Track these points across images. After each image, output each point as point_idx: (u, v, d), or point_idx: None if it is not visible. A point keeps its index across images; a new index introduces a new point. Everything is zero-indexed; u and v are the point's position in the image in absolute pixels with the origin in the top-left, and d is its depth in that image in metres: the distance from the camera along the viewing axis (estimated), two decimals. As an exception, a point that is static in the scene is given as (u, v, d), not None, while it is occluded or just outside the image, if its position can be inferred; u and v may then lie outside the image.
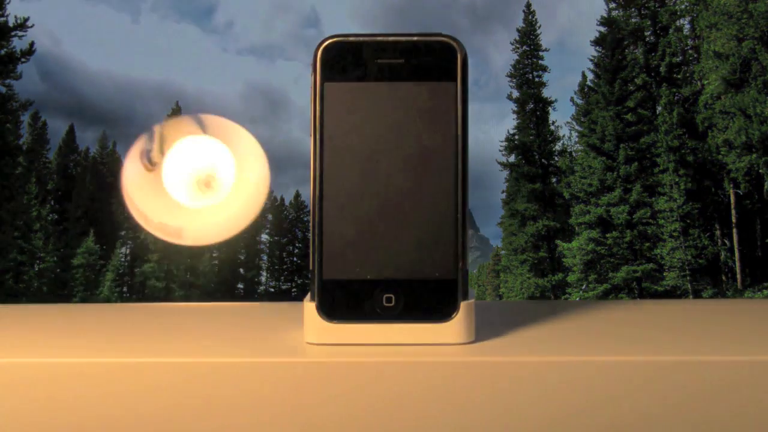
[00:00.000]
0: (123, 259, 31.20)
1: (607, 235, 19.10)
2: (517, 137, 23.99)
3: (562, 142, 23.98)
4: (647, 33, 21.47)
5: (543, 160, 23.56)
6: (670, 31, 20.88)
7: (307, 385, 0.34)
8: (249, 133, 0.54)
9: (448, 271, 0.37)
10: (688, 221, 18.25)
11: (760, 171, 16.64)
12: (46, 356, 0.35)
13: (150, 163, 0.53)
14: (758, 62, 16.27)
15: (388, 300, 0.37)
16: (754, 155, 16.38)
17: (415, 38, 0.38)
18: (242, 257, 32.58)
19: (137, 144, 0.53)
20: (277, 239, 34.21)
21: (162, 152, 0.53)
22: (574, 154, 22.24)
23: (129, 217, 0.55)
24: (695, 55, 20.44)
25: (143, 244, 29.39)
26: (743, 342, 0.39)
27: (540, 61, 24.58)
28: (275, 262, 34.29)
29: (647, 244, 18.83)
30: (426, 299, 0.37)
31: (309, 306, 0.38)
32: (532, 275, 22.27)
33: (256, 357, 0.35)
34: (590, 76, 21.45)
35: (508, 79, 24.88)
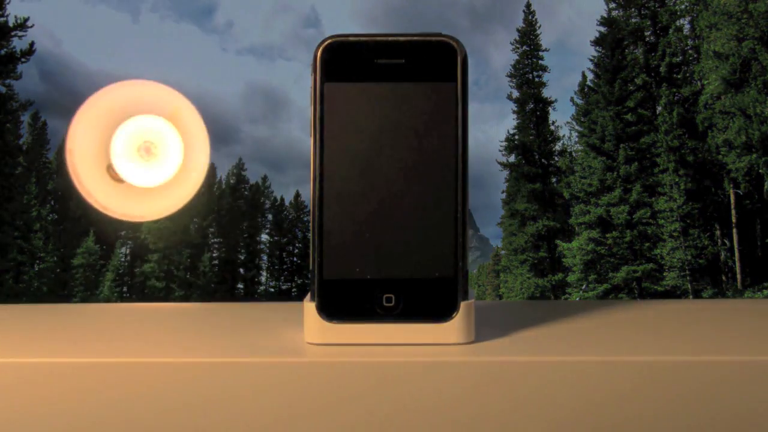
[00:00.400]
0: (123, 259, 31.21)
1: (607, 235, 19.10)
2: (517, 137, 23.99)
3: (562, 142, 23.99)
4: (647, 33, 21.47)
5: (543, 160, 23.56)
6: (670, 31, 20.88)
7: (307, 385, 0.34)
8: (188, 102, 0.55)
9: (448, 271, 0.37)
10: (688, 221, 18.25)
11: (760, 171, 16.64)
12: (46, 356, 0.35)
13: (115, 174, 0.54)
14: (758, 62, 16.27)
15: (388, 300, 0.37)
16: (754, 155, 16.38)
17: (415, 38, 0.38)
18: (242, 257, 32.58)
19: (74, 131, 0.53)
20: (277, 239, 34.20)
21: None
22: (574, 154, 22.24)
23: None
24: (695, 55, 20.44)
25: (143, 244, 29.40)
26: (743, 342, 0.39)
27: (540, 61, 24.57)
28: (275, 262, 34.28)
29: (647, 244, 18.83)
30: (426, 299, 0.37)
31: (309, 306, 0.38)
32: (532, 275, 22.26)
33: (256, 357, 0.35)
34: (590, 76, 21.47)
35: (508, 79, 24.90)
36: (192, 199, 0.56)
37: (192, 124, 0.55)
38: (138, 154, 0.54)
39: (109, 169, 0.54)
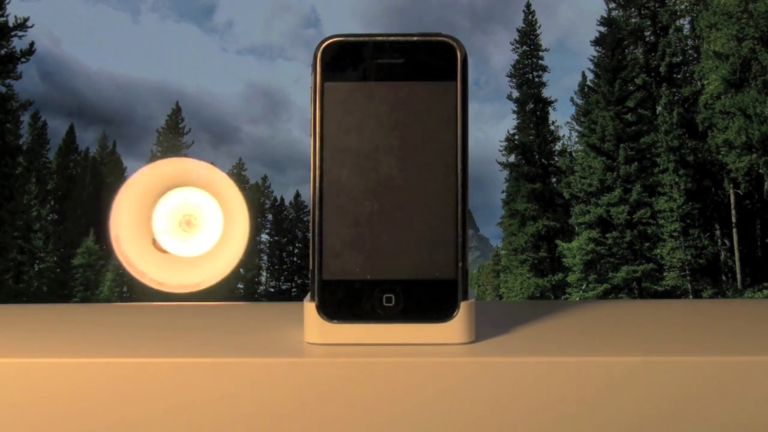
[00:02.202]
0: (123, 259, 31.13)
1: (607, 235, 19.09)
2: (517, 137, 23.97)
3: (562, 142, 23.97)
4: (647, 33, 21.46)
5: (543, 160, 23.55)
6: (670, 31, 20.87)
7: (307, 385, 0.34)
8: (227, 177, 0.57)
9: (448, 271, 0.37)
10: (688, 221, 18.24)
11: (760, 171, 16.64)
12: (46, 356, 0.35)
13: (159, 246, 0.56)
14: (758, 62, 16.27)
15: (388, 300, 0.37)
16: (754, 155, 16.38)
17: (415, 38, 0.38)
18: (242, 257, 32.51)
19: (116, 216, 0.56)
20: (277, 239, 34.18)
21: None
22: (574, 154, 22.23)
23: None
24: (695, 55, 20.44)
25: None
26: (743, 342, 0.39)
27: (540, 61, 24.57)
28: (275, 262, 34.27)
29: (647, 244, 18.82)
30: (426, 299, 0.37)
31: (309, 306, 0.38)
32: (532, 275, 22.25)
33: (256, 357, 0.35)
34: (590, 76, 21.46)
35: (508, 79, 24.88)
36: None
37: (230, 195, 0.58)
38: (180, 228, 0.56)
39: (154, 243, 0.56)
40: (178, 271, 0.57)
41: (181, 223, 0.56)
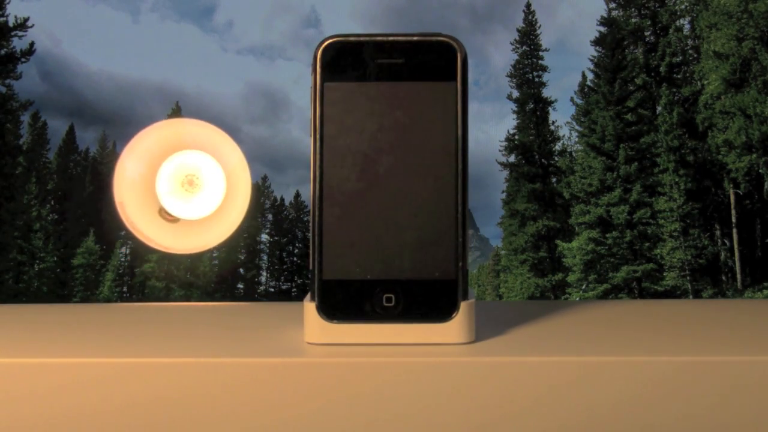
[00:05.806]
0: (123, 259, 31.20)
1: (607, 235, 19.09)
2: (517, 137, 23.98)
3: (562, 142, 23.97)
4: (647, 33, 21.47)
5: (543, 160, 23.55)
6: (670, 31, 20.88)
7: (307, 385, 0.34)
8: (229, 138, 0.56)
9: (448, 271, 0.37)
10: (688, 221, 18.24)
11: (760, 171, 16.64)
12: (46, 356, 0.35)
13: (169, 215, 0.56)
14: (758, 62, 16.26)
15: (388, 300, 0.37)
16: (754, 155, 16.38)
17: (415, 38, 0.38)
18: (242, 257, 32.54)
19: (119, 181, 0.55)
20: (277, 239, 34.18)
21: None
22: (574, 154, 22.23)
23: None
24: (695, 55, 20.44)
25: (143, 243, 29.32)
26: (743, 342, 0.39)
27: (540, 61, 24.57)
28: (275, 262, 34.26)
29: (647, 244, 18.82)
30: (426, 299, 0.37)
31: (309, 306, 0.38)
32: (532, 275, 22.24)
33: (256, 357, 0.35)
34: (590, 76, 21.45)
35: (508, 79, 24.88)
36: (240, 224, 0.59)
37: (231, 156, 0.57)
38: (183, 189, 0.56)
39: (161, 212, 0.56)
40: (184, 234, 0.56)
41: (183, 183, 0.56)
